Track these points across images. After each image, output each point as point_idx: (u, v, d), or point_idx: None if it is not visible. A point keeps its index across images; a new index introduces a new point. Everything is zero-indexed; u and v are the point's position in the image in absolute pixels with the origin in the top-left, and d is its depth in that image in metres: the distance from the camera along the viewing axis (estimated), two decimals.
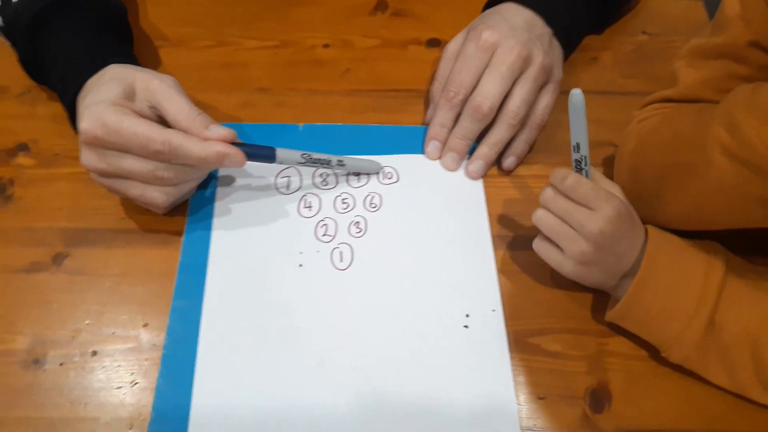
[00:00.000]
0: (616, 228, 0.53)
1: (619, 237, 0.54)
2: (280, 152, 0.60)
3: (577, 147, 0.56)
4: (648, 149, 0.59)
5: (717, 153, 0.48)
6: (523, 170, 0.69)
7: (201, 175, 0.62)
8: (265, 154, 0.60)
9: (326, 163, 0.63)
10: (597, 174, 0.59)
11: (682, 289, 0.53)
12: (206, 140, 0.56)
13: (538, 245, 0.58)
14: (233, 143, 0.57)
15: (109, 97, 0.55)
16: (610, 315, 0.56)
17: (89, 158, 0.56)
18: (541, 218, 0.57)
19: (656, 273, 0.54)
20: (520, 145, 0.67)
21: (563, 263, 0.56)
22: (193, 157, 0.55)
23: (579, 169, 0.57)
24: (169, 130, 0.55)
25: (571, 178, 0.55)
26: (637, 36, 0.81)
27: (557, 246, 0.56)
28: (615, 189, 0.59)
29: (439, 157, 0.68)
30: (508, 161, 0.68)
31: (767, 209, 0.49)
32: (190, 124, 0.56)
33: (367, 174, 0.67)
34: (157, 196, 0.58)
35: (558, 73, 0.68)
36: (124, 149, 0.54)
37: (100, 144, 0.54)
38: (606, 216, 0.53)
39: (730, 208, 0.51)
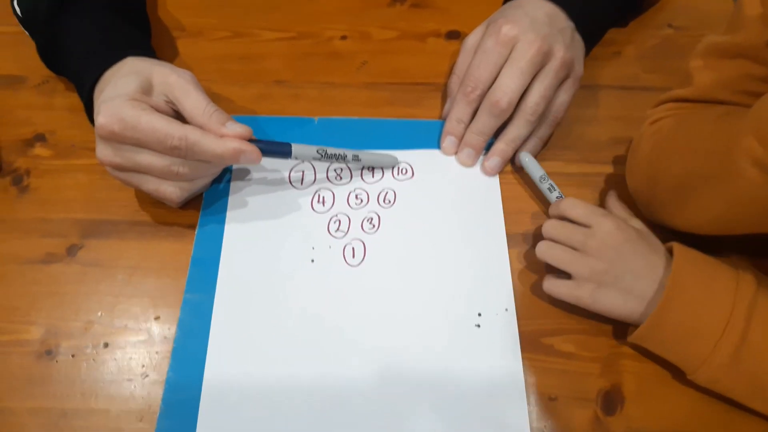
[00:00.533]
0: (620, 241, 0.54)
1: (628, 252, 0.54)
2: (296, 148, 0.60)
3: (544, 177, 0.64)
4: (666, 155, 0.57)
5: (748, 165, 0.46)
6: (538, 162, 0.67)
7: (216, 171, 0.62)
8: (281, 150, 0.60)
9: (342, 158, 0.63)
10: (618, 205, 0.61)
11: (711, 307, 0.51)
12: (222, 137, 0.56)
13: (549, 284, 0.58)
14: (249, 140, 0.57)
15: (127, 91, 0.55)
16: (634, 336, 0.54)
17: (105, 152, 0.56)
18: (545, 250, 0.57)
19: (683, 291, 0.51)
20: (534, 141, 0.66)
21: (578, 292, 0.55)
22: (209, 154, 0.55)
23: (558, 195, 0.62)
24: (187, 126, 0.55)
25: (565, 201, 0.56)
26: (663, 30, 0.79)
27: (567, 278, 0.56)
28: (636, 222, 0.60)
29: (455, 153, 0.67)
30: (525, 158, 0.66)
31: None
32: (206, 120, 0.56)
33: (383, 168, 0.67)
34: (171, 191, 0.58)
35: (579, 68, 0.66)
36: (141, 144, 0.54)
37: (116, 139, 0.54)
38: (605, 229, 0.54)
39: (757, 218, 0.50)
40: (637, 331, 0.53)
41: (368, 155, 0.65)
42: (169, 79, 0.57)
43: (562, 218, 0.59)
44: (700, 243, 0.55)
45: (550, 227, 0.58)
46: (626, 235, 0.55)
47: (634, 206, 0.62)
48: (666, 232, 0.58)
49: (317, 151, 0.61)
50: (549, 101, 0.64)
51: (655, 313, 0.52)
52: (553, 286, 0.57)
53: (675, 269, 0.52)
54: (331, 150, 0.62)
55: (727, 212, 0.51)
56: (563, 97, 0.65)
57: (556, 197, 0.63)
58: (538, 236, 0.62)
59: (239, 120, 0.57)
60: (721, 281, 0.52)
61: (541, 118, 0.65)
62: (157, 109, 0.56)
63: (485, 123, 0.64)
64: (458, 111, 0.66)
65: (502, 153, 0.65)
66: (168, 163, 0.55)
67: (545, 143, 0.68)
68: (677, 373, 0.54)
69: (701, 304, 0.51)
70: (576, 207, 0.57)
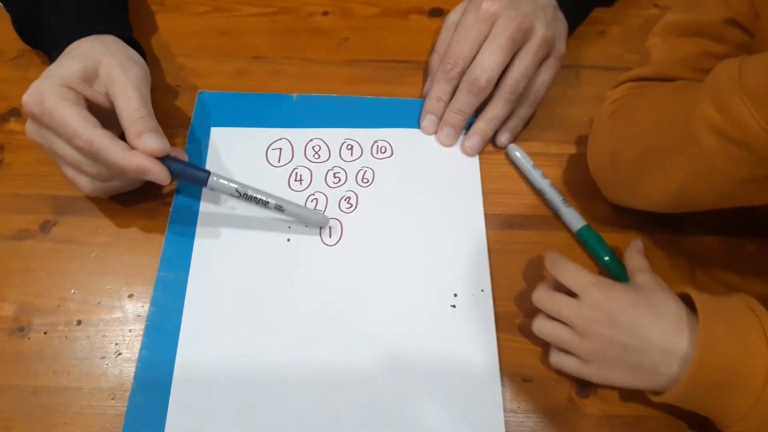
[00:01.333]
0: (608, 315, 0.49)
1: (622, 326, 0.49)
2: (214, 179, 0.56)
3: (542, 192, 0.63)
4: (625, 132, 0.56)
5: (705, 132, 0.46)
6: (520, 147, 0.66)
7: (133, 181, 0.60)
8: (197, 177, 0.56)
9: (263, 204, 0.57)
10: (636, 256, 0.56)
11: (745, 355, 0.46)
12: (131, 150, 0.53)
13: (555, 358, 0.54)
14: (166, 156, 0.55)
15: (66, 74, 0.54)
16: (667, 398, 0.48)
17: (30, 129, 0.55)
18: (541, 328, 0.54)
19: (716, 347, 0.46)
20: (514, 121, 0.66)
21: (586, 372, 0.51)
22: (112, 164, 0.53)
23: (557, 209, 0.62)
24: (97, 130, 0.52)
25: (551, 260, 0.54)
26: (648, 9, 0.78)
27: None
28: (643, 277, 0.53)
29: (435, 132, 0.66)
30: (503, 138, 0.66)
31: (754, 188, 0.47)
32: (128, 125, 0.54)
33: (308, 225, 0.61)
34: (84, 185, 0.57)
35: (561, 46, 0.66)
36: (54, 133, 0.53)
37: (35, 120, 0.54)
38: (589, 303, 0.50)
39: (716, 189, 0.49)
40: (671, 394, 0.48)
41: (295, 208, 0.59)
42: (113, 73, 0.55)
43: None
44: (663, 223, 0.55)
45: (539, 299, 0.54)
46: (615, 306, 0.50)
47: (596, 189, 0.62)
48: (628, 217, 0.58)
49: (237, 189, 0.56)
50: (529, 80, 0.63)
51: (690, 374, 0.46)
52: (560, 361, 0.53)
53: (703, 323, 0.47)
54: (252, 191, 0.57)
55: (687, 184, 0.50)
56: (544, 76, 0.65)
57: (549, 185, 0.63)
58: (516, 217, 0.63)
59: (215, 96, 0.56)
60: (747, 324, 0.47)
61: (522, 97, 0.64)
62: (92, 100, 0.55)
63: (464, 101, 0.64)
64: (438, 89, 0.65)
65: (481, 132, 0.65)
66: (79, 159, 0.54)
67: (526, 123, 0.67)
68: None
69: (736, 355, 0.46)
70: (564, 273, 0.53)
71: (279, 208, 0.58)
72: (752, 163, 0.45)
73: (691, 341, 0.47)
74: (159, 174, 0.54)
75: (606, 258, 0.59)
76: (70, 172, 0.57)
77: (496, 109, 0.64)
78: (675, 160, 0.50)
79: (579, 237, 0.61)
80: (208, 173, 0.56)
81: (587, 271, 0.52)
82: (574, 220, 0.61)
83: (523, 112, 0.66)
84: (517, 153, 0.65)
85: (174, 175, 0.55)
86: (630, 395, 0.54)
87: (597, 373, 0.51)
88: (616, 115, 0.58)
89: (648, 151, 0.53)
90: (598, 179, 0.61)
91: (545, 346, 0.55)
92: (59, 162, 0.57)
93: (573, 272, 0.52)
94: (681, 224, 0.62)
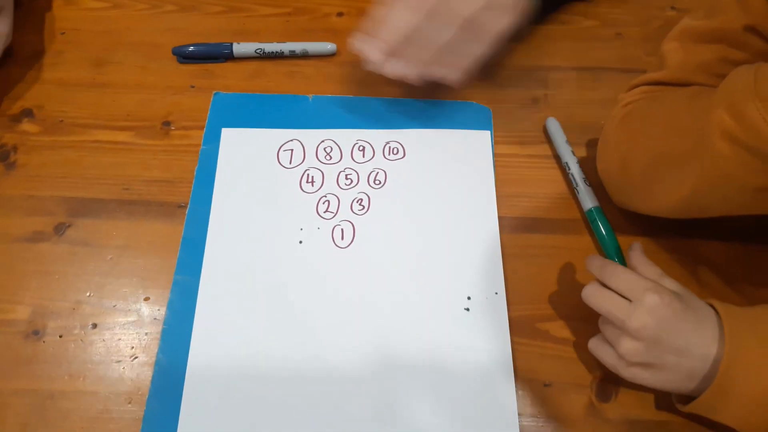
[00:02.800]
0: (661, 320, 0.48)
1: (671, 331, 0.48)
2: (236, 46, 0.70)
3: (567, 166, 0.63)
4: (638, 136, 0.56)
5: (717, 138, 0.45)
6: (534, 150, 0.66)
7: None
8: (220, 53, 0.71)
9: (279, 55, 0.71)
10: (644, 261, 0.54)
11: None
12: None
13: (594, 344, 0.53)
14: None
15: None
16: (694, 406, 0.49)
17: None
18: (596, 299, 0.52)
19: (744, 357, 0.46)
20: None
21: (617, 365, 0.51)
22: None
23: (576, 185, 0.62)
24: None
25: (608, 268, 0.52)
26: (665, 11, 0.77)
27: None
28: (669, 282, 0.53)
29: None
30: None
31: (762, 196, 0.47)
32: None
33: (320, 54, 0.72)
34: None
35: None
36: None
37: None
38: (646, 307, 0.48)
39: (728, 197, 0.49)
40: (697, 402, 0.48)
41: (303, 45, 0.71)
42: None
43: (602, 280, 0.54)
44: (673, 229, 0.54)
45: (590, 294, 0.52)
46: (669, 311, 0.48)
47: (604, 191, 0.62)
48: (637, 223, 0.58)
49: (256, 50, 0.70)
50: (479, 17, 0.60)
51: (717, 384, 0.46)
52: (597, 348, 0.53)
53: (729, 331, 0.47)
54: (267, 48, 0.70)
55: (698, 192, 0.50)
56: (496, 21, 0.61)
57: (576, 162, 0.64)
58: (530, 220, 0.62)
59: (230, 98, 0.56)
60: None
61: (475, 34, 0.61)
62: None
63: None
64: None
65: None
66: None
67: (479, 64, 0.64)
68: None
69: (765, 364, 0.46)
70: (617, 278, 0.51)
71: (292, 52, 0.71)
72: (766, 171, 0.44)
73: (720, 350, 0.47)
74: None
75: (606, 236, 0.60)
76: None
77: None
78: (687, 167, 0.49)
79: (588, 216, 0.61)
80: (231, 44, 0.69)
81: (640, 276, 0.51)
82: (588, 199, 0.62)
83: (474, 47, 0.62)
84: (553, 126, 0.66)
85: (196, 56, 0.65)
86: (651, 400, 0.54)
87: (628, 371, 0.50)
88: (628, 119, 0.57)
89: (660, 156, 0.53)
90: (607, 183, 0.61)
91: (566, 349, 0.55)
92: None
93: (627, 276, 0.51)
94: (688, 229, 0.61)
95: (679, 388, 0.49)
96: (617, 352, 0.50)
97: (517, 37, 0.69)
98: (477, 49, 0.61)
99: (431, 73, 0.61)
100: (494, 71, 0.71)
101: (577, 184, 0.63)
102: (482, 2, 0.59)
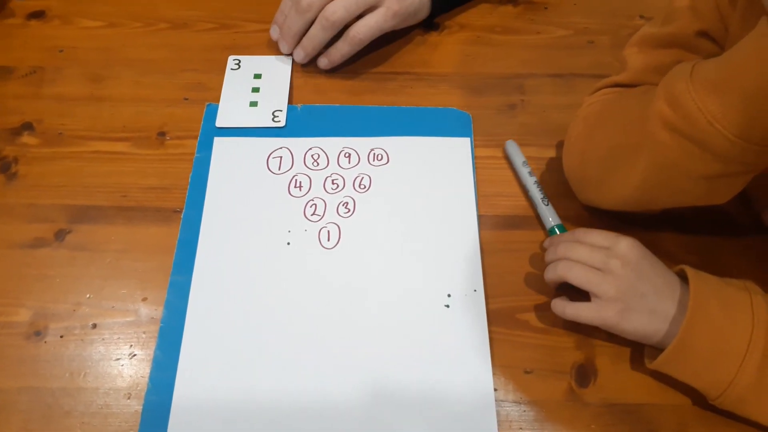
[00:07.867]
0: (639, 257, 0.53)
1: (648, 269, 0.53)
2: None
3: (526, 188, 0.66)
4: (595, 132, 0.59)
5: (659, 128, 0.48)
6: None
7: None
8: None
9: None
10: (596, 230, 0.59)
11: (731, 327, 0.49)
12: None
13: (565, 306, 0.56)
14: None
15: None
16: (657, 363, 0.52)
17: None
18: (566, 269, 0.55)
19: (705, 314, 0.50)
20: (331, 51, 0.73)
21: (604, 314, 0.53)
22: None
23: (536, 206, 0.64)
24: None
25: (580, 230, 0.57)
26: (634, 20, 0.81)
27: (578, 299, 0.55)
28: None
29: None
30: (321, 62, 0.74)
31: (712, 186, 0.50)
32: None
33: None
34: None
35: (394, 3, 0.71)
36: None
37: None
38: (624, 247, 0.53)
39: (675, 186, 0.52)
40: (661, 356, 0.52)
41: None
42: None
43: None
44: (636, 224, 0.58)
45: (567, 248, 0.56)
46: (643, 251, 0.54)
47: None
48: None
49: None
50: (350, 15, 0.70)
51: (679, 338, 0.50)
52: (572, 308, 0.55)
53: (693, 289, 0.51)
54: None
55: (647, 180, 0.53)
56: (368, 20, 0.71)
57: (534, 182, 0.65)
58: (509, 218, 0.65)
59: None
60: (736, 297, 0.51)
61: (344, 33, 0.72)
62: None
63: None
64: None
65: (302, 47, 0.73)
66: None
67: (344, 59, 0.74)
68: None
69: (723, 323, 0.50)
70: (592, 233, 0.56)
71: None
72: (706, 159, 0.47)
73: (681, 309, 0.51)
74: None
75: None
76: None
77: (313, 31, 0.71)
78: (636, 157, 0.52)
79: (551, 233, 0.63)
80: None
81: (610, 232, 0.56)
82: (549, 217, 0.64)
83: (341, 45, 0.72)
84: (512, 148, 0.68)
85: None
86: (627, 384, 0.56)
87: (615, 314, 0.52)
88: (588, 118, 0.61)
89: (613, 149, 0.56)
90: (570, 178, 0.64)
91: (546, 338, 0.58)
92: None
93: (600, 232, 0.56)
94: (651, 226, 0.63)
95: (655, 331, 0.52)
96: (603, 296, 0.53)
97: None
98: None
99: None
100: None
101: (537, 205, 0.65)
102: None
